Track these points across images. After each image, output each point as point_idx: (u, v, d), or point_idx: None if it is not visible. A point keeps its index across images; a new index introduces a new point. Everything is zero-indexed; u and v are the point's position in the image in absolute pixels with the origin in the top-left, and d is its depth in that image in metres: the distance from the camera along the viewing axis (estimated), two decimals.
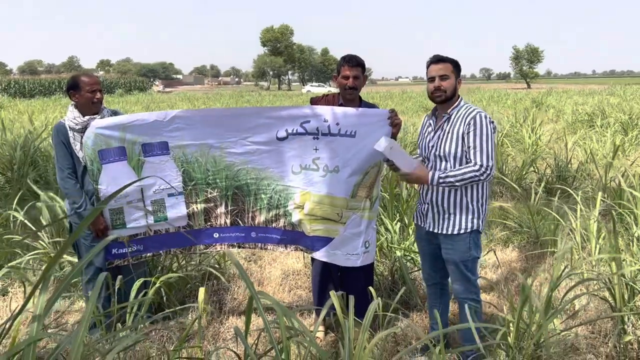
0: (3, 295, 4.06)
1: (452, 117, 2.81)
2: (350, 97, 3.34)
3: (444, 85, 2.77)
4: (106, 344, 2.29)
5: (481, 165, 2.64)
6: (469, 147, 2.68)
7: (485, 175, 2.65)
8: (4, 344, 2.72)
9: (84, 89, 3.22)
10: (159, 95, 47.81)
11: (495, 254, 4.17)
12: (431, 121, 2.95)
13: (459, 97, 2.87)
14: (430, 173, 2.74)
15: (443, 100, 2.81)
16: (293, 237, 3.44)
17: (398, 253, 4.04)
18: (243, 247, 3.58)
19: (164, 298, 3.66)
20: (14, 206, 4.93)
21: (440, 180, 2.71)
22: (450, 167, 2.79)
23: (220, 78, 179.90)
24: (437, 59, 2.84)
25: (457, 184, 2.68)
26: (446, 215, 2.84)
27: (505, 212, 5.80)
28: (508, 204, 5.78)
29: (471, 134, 2.68)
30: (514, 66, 78.72)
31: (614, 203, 5.11)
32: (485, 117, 2.72)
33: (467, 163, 2.73)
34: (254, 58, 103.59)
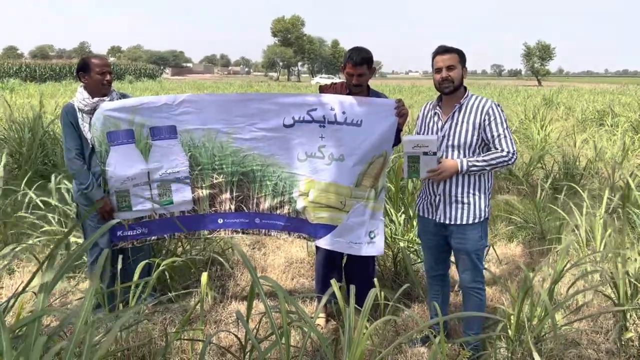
0: (10, 274, 4.11)
1: (464, 107, 2.84)
2: (355, 91, 3.33)
3: (452, 75, 2.80)
4: (109, 322, 2.31)
5: (509, 152, 2.74)
6: (492, 136, 2.77)
7: (512, 160, 2.77)
8: (8, 322, 2.76)
9: (94, 71, 3.23)
10: (169, 82, 47.89)
11: (494, 249, 4.17)
12: (437, 110, 2.94)
13: (465, 88, 2.90)
14: (458, 161, 2.77)
15: (451, 90, 2.83)
16: (297, 224, 3.45)
17: (401, 244, 4.05)
18: (247, 233, 3.60)
19: (168, 282, 3.69)
20: (22, 187, 4.97)
21: (470, 165, 2.75)
22: (463, 156, 2.82)
23: (230, 67, 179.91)
24: (443, 50, 2.85)
25: (487, 168, 2.76)
26: (459, 205, 2.86)
27: (510, 207, 5.78)
28: (514, 198, 5.76)
29: (492, 123, 2.76)
30: (525, 63, 78.16)
31: (621, 202, 5.09)
32: (498, 106, 2.83)
33: (484, 151, 2.81)
34: (264, 48, 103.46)
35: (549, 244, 4.78)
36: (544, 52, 75.67)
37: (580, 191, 4.90)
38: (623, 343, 3.10)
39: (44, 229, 4.16)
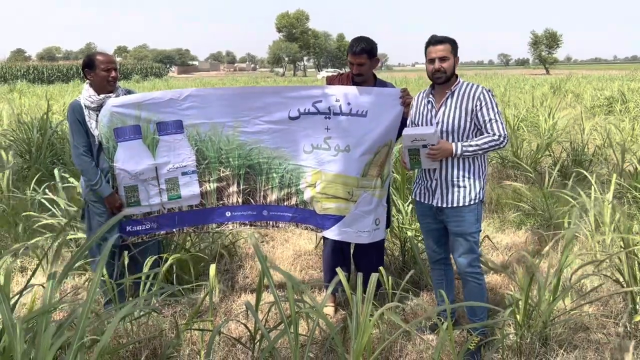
0: (22, 272, 4.16)
1: (456, 93, 2.89)
2: (357, 80, 3.33)
3: (444, 66, 2.86)
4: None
5: (500, 135, 2.79)
6: (484, 121, 2.82)
7: (504, 143, 2.82)
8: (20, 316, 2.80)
9: (99, 68, 3.25)
10: (175, 81, 48.05)
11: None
12: (430, 98, 2.99)
13: (457, 75, 2.95)
14: (453, 145, 2.82)
15: (444, 81, 2.90)
16: (304, 215, 3.47)
17: (409, 234, 4.05)
18: (254, 226, 3.61)
19: (175, 276, 3.71)
20: (32, 187, 5.03)
21: (464, 149, 2.80)
22: (457, 141, 2.87)
23: (236, 64, 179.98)
24: (436, 40, 2.90)
25: (479, 152, 2.81)
26: (455, 189, 2.90)
27: (518, 195, 5.77)
28: (522, 186, 5.74)
29: (484, 109, 2.82)
30: (532, 52, 77.61)
31: (630, 186, 5.06)
32: (489, 91, 2.88)
33: (477, 136, 2.87)
34: (269, 44, 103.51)
35: (557, 230, 4.76)
36: (552, 40, 75.10)
37: (588, 176, 4.87)
38: (633, 326, 3.09)
39: (49, 222, 4.20)
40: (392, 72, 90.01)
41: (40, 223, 4.30)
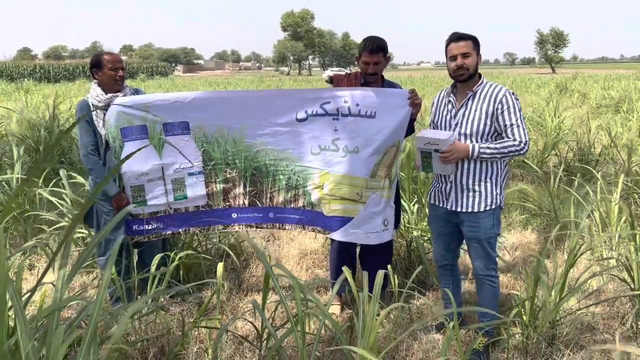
0: (30, 270, 4.19)
1: (477, 94, 2.81)
2: (371, 80, 3.34)
3: (467, 63, 2.77)
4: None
5: (520, 141, 2.70)
6: (505, 125, 2.72)
7: (524, 150, 2.71)
8: (30, 314, 2.82)
9: (107, 67, 3.27)
10: (181, 80, 48.16)
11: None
12: (451, 98, 2.92)
13: (480, 75, 2.87)
14: (470, 146, 2.75)
15: (466, 78, 2.80)
16: (311, 217, 3.46)
17: (415, 233, 4.06)
18: (261, 228, 3.62)
19: (181, 275, 3.73)
20: (39, 185, 5.06)
21: (481, 151, 2.72)
22: (474, 143, 2.80)
23: (241, 63, 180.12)
24: (457, 37, 2.82)
25: (497, 156, 2.73)
26: (470, 193, 2.85)
27: (525, 195, 5.76)
28: (528, 186, 5.73)
29: (505, 112, 2.72)
30: (538, 51, 77.27)
31: (637, 186, 5.04)
32: (513, 94, 2.77)
33: (495, 140, 2.78)
34: (274, 43, 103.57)
35: (563, 230, 4.75)
36: (558, 39, 74.72)
37: (597, 175, 4.86)
38: (639, 328, 3.09)
39: (59, 225, 4.23)
40: (397, 71, 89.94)
41: (54, 225, 4.32)
